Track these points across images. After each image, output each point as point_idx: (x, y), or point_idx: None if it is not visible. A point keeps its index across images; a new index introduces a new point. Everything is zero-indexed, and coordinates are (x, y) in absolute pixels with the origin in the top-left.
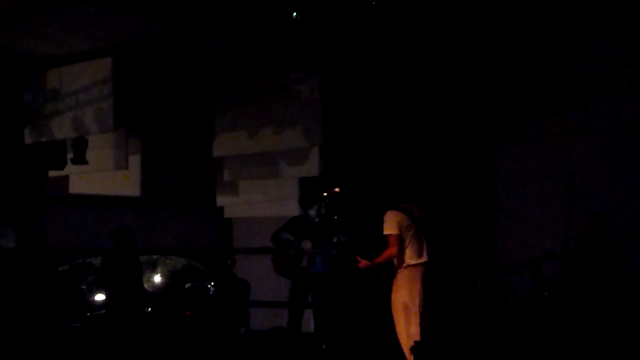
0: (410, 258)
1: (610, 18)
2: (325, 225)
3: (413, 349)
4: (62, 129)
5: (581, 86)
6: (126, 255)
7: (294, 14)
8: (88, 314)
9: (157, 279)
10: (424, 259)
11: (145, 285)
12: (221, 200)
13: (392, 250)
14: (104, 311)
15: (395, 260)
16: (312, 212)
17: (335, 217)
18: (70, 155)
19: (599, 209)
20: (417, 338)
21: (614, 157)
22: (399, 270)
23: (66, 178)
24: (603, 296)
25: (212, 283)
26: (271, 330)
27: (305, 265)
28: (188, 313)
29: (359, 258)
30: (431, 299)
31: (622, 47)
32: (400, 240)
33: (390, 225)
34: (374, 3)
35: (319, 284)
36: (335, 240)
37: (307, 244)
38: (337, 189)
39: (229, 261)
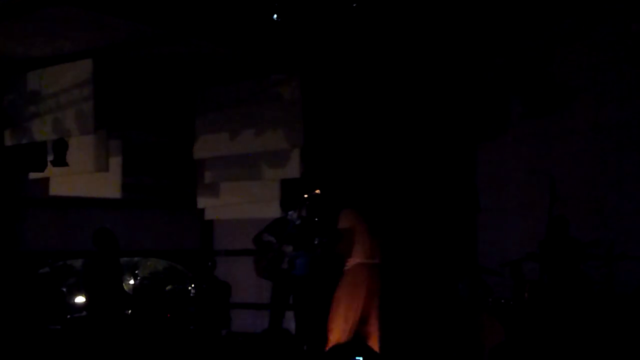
0: (358, 257)
1: (590, 21)
2: (307, 227)
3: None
4: (42, 131)
5: (562, 88)
6: (107, 257)
7: (275, 16)
8: (68, 316)
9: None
10: (374, 260)
11: (126, 288)
12: (202, 202)
13: (343, 247)
14: (84, 313)
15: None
16: (294, 214)
17: (316, 219)
18: (50, 157)
19: (579, 210)
20: (345, 335)
21: (594, 160)
22: (348, 268)
23: (47, 180)
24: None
25: (193, 285)
26: (253, 333)
27: (286, 267)
28: (169, 315)
29: None
30: (375, 300)
31: (603, 49)
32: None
33: (342, 224)
34: (354, 5)
35: (300, 286)
36: (316, 242)
37: (288, 247)
38: (317, 191)
39: (209, 263)
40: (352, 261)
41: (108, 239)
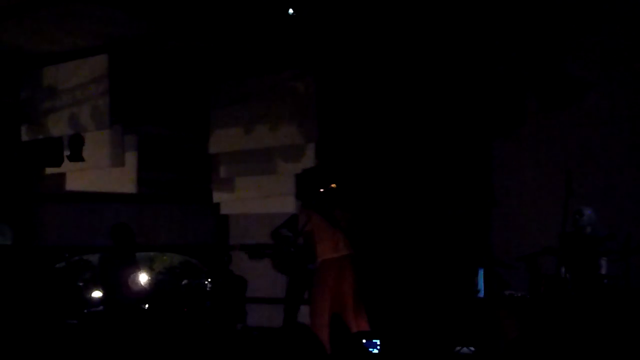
0: (324, 254)
1: (605, 13)
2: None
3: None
4: (58, 126)
5: (577, 83)
6: (124, 252)
7: (290, 11)
8: (85, 310)
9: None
10: (340, 253)
11: (142, 282)
12: (217, 196)
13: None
14: (101, 308)
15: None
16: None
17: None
18: (66, 153)
19: (595, 204)
20: (324, 330)
21: (610, 153)
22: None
23: (63, 175)
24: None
25: (209, 279)
26: (268, 327)
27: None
28: (185, 309)
29: None
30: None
31: (618, 42)
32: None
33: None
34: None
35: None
36: None
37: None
38: (333, 185)
39: (225, 257)
40: (319, 259)
41: (125, 233)
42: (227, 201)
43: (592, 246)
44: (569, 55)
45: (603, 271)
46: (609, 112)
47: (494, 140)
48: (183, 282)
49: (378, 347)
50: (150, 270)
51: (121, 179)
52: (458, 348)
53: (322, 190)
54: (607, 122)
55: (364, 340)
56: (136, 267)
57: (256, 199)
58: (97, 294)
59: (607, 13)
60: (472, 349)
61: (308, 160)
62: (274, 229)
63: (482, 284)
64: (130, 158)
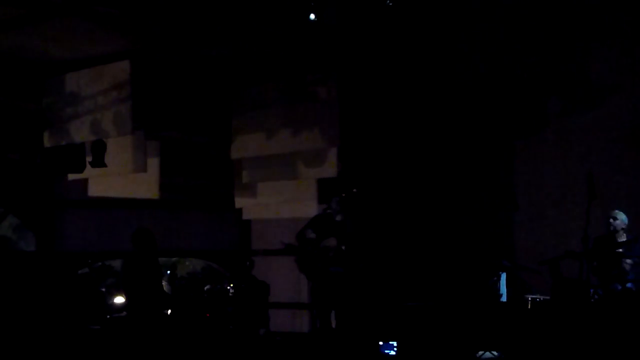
0: None
1: (627, 17)
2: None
3: None
4: (81, 132)
5: (599, 86)
6: (146, 257)
7: (311, 16)
8: (108, 316)
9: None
10: None
11: (165, 288)
12: (240, 202)
13: None
14: (124, 313)
15: None
16: (336, 207)
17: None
18: (89, 158)
19: (618, 207)
20: None
21: (633, 156)
22: None
23: (85, 181)
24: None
25: (231, 285)
26: (291, 332)
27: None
28: (207, 315)
29: None
30: None
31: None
32: None
33: None
34: (389, 4)
35: (339, 283)
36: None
37: (331, 242)
38: (355, 189)
39: (247, 263)
40: None
41: (147, 239)
42: (249, 206)
43: (619, 249)
44: (592, 59)
45: (629, 275)
46: (632, 114)
47: (515, 144)
48: (205, 288)
49: (395, 349)
50: (172, 275)
51: (143, 185)
52: (480, 353)
53: (344, 194)
54: (630, 124)
55: (380, 343)
56: (159, 272)
57: (278, 204)
58: (119, 299)
59: (631, 16)
60: (495, 353)
61: (330, 164)
62: (298, 230)
63: (505, 288)
64: (153, 164)
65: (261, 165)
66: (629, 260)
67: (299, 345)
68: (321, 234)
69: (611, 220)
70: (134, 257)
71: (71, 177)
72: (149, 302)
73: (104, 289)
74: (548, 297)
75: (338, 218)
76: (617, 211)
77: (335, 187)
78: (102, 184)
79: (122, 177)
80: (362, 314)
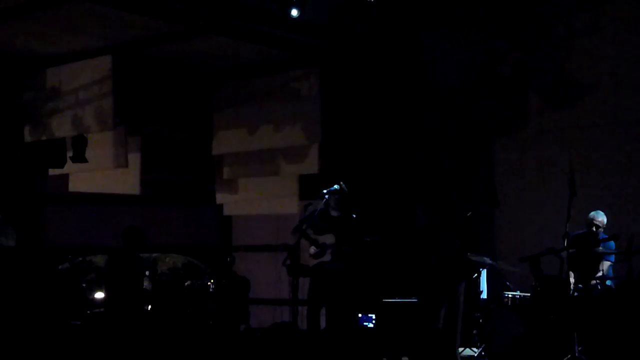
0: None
1: (607, 15)
2: (347, 222)
3: None
4: (62, 127)
5: (579, 82)
6: (131, 254)
7: (293, 11)
8: (88, 311)
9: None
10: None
11: (146, 284)
12: (221, 197)
13: None
14: (103, 309)
15: None
16: (331, 208)
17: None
18: (70, 154)
19: (598, 205)
20: None
21: (614, 153)
22: None
23: (66, 176)
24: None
25: (212, 280)
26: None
27: (329, 260)
28: (188, 310)
29: None
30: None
31: (620, 43)
32: None
33: None
34: (371, 1)
35: (335, 279)
36: (368, 239)
37: (330, 239)
38: (337, 186)
39: (228, 259)
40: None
41: (137, 237)
42: (230, 202)
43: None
44: (573, 55)
45: (602, 273)
46: (611, 111)
47: (496, 140)
48: (186, 283)
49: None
50: (153, 271)
51: (124, 180)
52: (461, 350)
53: (325, 191)
54: (611, 121)
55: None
56: (143, 268)
57: (259, 200)
58: (100, 295)
59: (612, 13)
60: (475, 350)
61: (312, 161)
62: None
63: (485, 285)
64: (134, 159)
65: (242, 161)
66: (607, 261)
67: (281, 341)
68: (318, 230)
69: (590, 219)
70: (119, 253)
71: (52, 172)
72: (129, 298)
73: (84, 285)
74: (528, 294)
75: (334, 214)
76: (597, 211)
77: (317, 183)
78: (83, 179)
79: (104, 172)
80: (355, 311)
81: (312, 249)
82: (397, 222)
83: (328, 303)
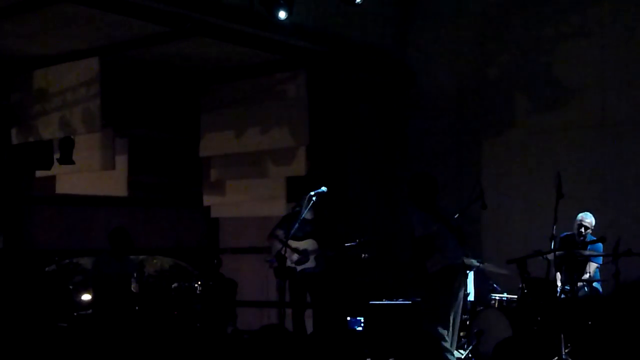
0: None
1: (594, 18)
2: (321, 224)
3: None
4: (49, 129)
5: (566, 85)
6: (119, 256)
7: (281, 13)
8: (75, 313)
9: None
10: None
11: (132, 285)
12: (208, 199)
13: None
14: (90, 311)
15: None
16: (306, 210)
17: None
18: (57, 156)
19: (585, 207)
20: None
21: (601, 155)
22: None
23: (53, 178)
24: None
25: (199, 282)
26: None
27: (312, 265)
28: (175, 312)
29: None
30: None
31: (607, 46)
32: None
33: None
34: (356, 3)
35: (315, 282)
36: (348, 244)
37: (312, 244)
38: (325, 188)
39: (215, 261)
40: (441, 265)
41: (124, 239)
42: (217, 204)
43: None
44: (560, 57)
45: (589, 275)
46: (598, 114)
47: (483, 142)
48: (173, 285)
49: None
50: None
51: (112, 182)
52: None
53: (312, 193)
54: (597, 124)
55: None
56: (130, 271)
57: (247, 202)
58: (87, 297)
59: (597, 17)
60: (462, 352)
61: (299, 163)
62: (270, 230)
63: (472, 287)
64: (121, 161)
65: (230, 163)
66: (594, 263)
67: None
68: (299, 238)
69: (579, 220)
70: (107, 255)
71: (39, 174)
72: (116, 300)
73: (71, 287)
74: (515, 296)
75: (308, 216)
76: (585, 212)
77: (305, 185)
78: (70, 181)
79: (91, 174)
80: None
81: (295, 256)
82: (385, 225)
83: (314, 307)
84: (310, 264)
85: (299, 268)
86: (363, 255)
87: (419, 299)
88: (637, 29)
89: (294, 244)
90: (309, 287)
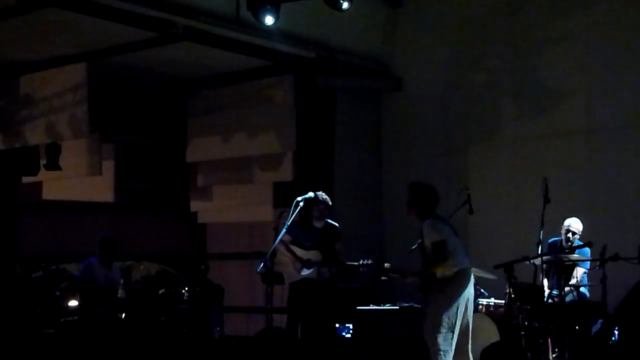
0: (460, 263)
1: (581, 23)
2: (331, 235)
3: None
4: (35, 135)
5: (553, 90)
6: (106, 262)
7: (268, 19)
8: (62, 320)
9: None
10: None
11: (119, 291)
12: (195, 205)
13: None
14: (77, 317)
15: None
16: (315, 219)
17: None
18: (43, 161)
19: (572, 212)
20: None
21: (587, 160)
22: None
23: (40, 184)
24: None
25: (186, 288)
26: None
27: (314, 275)
28: (162, 318)
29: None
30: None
31: (593, 51)
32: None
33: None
34: (345, 9)
35: (316, 291)
36: (361, 262)
37: (317, 255)
38: (312, 194)
39: (202, 266)
40: (455, 269)
41: (112, 245)
42: (204, 210)
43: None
44: (546, 62)
45: (576, 280)
46: (584, 119)
47: (470, 147)
48: (160, 291)
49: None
50: (127, 279)
51: (98, 188)
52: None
53: (299, 199)
54: (584, 129)
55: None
56: (117, 277)
57: (234, 208)
58: (73, 303)
59: (583, 21)
60: None
61: (286, 169)
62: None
63: None
64: (108, 167)
65: (216, 169)
66: (581, 268)
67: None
68: (306, 248)
69: (567, 225)
70: (95, 262)
71: (25, 180)
72: (103, 306)
73: (58, 293)
74: (502, 301)
75: (318, 225)
76: (573, 217)
77: (292, 191)
78: (56, 187)
79: (77, 180)
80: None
81: (305, 271)
82: (370, 231)
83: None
84: (313, 274)
85: (300, 276)
86: (385, 264)
87: (418, 305)
88: (622, 34)
89: (299, 252)
90: (308, 294)
